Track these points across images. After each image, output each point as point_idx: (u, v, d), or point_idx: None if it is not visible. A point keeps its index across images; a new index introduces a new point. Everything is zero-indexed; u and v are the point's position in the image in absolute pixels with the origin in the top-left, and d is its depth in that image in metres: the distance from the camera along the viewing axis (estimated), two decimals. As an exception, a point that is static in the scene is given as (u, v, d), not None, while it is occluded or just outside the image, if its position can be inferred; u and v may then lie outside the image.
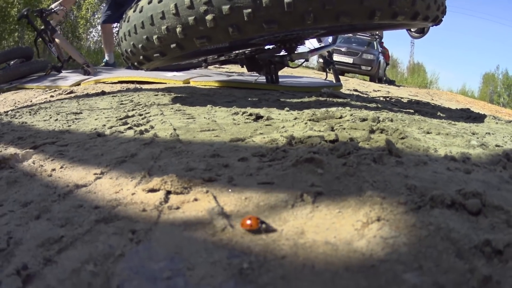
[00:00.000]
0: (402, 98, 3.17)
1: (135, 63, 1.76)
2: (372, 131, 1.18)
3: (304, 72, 8.42)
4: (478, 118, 2.01)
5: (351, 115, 1.44)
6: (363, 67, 11.43)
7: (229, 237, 0.52)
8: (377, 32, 10.88)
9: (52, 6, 3.83)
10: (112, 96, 2.09)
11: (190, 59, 2.29)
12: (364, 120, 1.35)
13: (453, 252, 0.49)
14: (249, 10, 1.37)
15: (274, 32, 1.58)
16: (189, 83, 2.75)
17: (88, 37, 8.97)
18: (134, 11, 1.61)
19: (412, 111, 1.90)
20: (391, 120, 1.41)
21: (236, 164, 0.87)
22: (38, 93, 2.88)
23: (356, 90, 3.78)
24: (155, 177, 0.77)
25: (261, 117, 1.43)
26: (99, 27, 8.77)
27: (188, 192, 0.71)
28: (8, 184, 0.86)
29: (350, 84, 5.86)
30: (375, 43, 12.02)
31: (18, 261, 0.54)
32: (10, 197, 0.80)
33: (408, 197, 0.63)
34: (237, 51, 2.26)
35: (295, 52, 2.12)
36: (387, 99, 2.84)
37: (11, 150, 0.98)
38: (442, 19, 1.87)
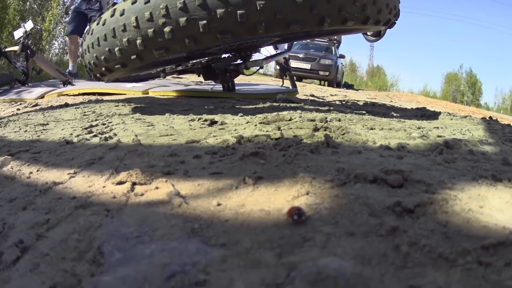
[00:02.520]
0: (358, 101, 3.39)
1: (98, 75, 1.88)
2: (316, 129, 1.35)
3: (261, 79, 8.65)
4: (433, 115, 2.18)
5: (300, 117, 1.62)
6: (321, 73, 11.78)
7: (184, 210, 0.68)
8: (335, 37, 11.37)
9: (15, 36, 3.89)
10: (75, 108, 2.20)
11: (149, 69, 2.42)
12: (311, 120, 1.52)
13: (367, 213, 0.63)
14: (204, 21, 1.51)
15: (228, 42, 1.73)
16: (148, 93, 2.88)
17: (50, 49, 8.88)
18: (97, 24, 1.73)
19: (364, 112, 2.09)
20: (339, 120, 1.58)
21: (191, 160, 1.02)
22: (4, 106, 2.93)
23: (312, 95, 3.99)
24: (122, 172, 0.92)
25: (216, 122, 1.59)
26: (61, 39, 8.70)
27: (150, 182, 0.86)
28: (-9, 186, 0.98)
29: (308, 89, 6.11)
30: (333, 48, 12.49)
31: (14, 238, 0.67)
32: (-3, 195, 0.92)
33: (335, 176, 0.79)
34: (194, 61, 2.41)
35: (250, 60, 2.29)
36: (343, 102, 3.04)
37: (-13, 158, 1.10)
38: (395, 22, 2.03)
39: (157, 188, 0.83)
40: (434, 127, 1.63)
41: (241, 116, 1.76)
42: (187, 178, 0.88)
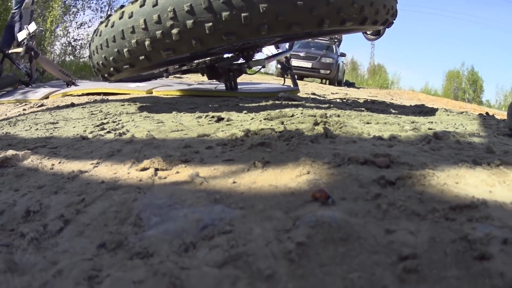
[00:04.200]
0: (359, 99, 3.56)
1: (106, 75, 2.03)
2: (316, 124, 1.50)
3: (263, 78, 8.85)
4: (430, 112, 2.35)
5: (301, 113, 1.77)
6: (322, 71, 12.22)
7: (205, 187, 0.82)
8: (336, 36, 11.66)
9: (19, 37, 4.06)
10: (82, 107, 2.35)
11: (155, 69, 2.57)
12: (312, 116, 1.68)
13: (357, 185, 0.79)
14: (210, 23, 1.66)
15: (232, 43, 1.88)
16: (151, 93, 3.03)
17: (52, 49, 9.12)
18: (106, 26, 1.88)
19: (363, 109, 2.24)
20: (338, 116, 1.73)
21: (204, 151, 1.17)
22: (10, 107, 3.08)
23: (314, 94, 4.15)
24: (144, 160, 1.06)
25: (222, 118, 1.73)
26: (62, 40, 8.96)
27: (171, 168, 1.01)
28: (17, 177, 1.12)
29: (309, 88, 6.28)
30: (334, 46, 12.91)
31: (55, 213, 0.81)
32: (23, 185, 1.06)
33: (332, 160, 0.95)
34: (198, 61, 2.57)
35: (253, 59, 2.44)
36: (344, 100, 3.20)
37: (10, 152, 1.23)
38: (393, 21, 2.19)
39: (178, 172, 0.97)
40: (429, 122, 1.78)
41: (246, 113, 1.90)
42: (203, 164, 1.02)
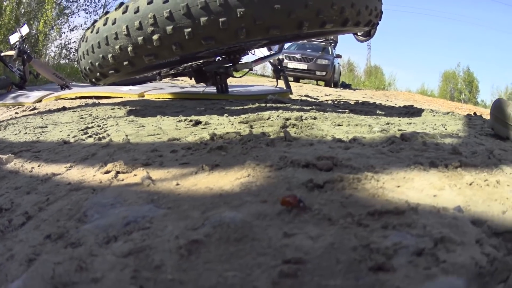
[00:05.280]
0: (351, 100, 3.68)
1: (93, 80, 2.19)
2: (284, 126, 1.62)
3: (258, 80, 9.06)
4: (417, 112, 2.46)
5: (277, 116, 1.90)
6: (318, 73, 12.64)
7: (150, 188, 0.97)
8: (332, 37, 11.92)
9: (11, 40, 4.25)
10: (73, 111, 2.53)
11: (143, 73, 2.73)
12: (287, 119, 1.80)
13: (285, 188, 0.88)
14: (189, 29, 1.79)
15: (212, 47, 2.02)
16: (143, 96, 3.20)
17: (47, 52, 9.44)
18: (91, 32, 2.03)
19: (347, 110, 2.36)
20: (314, 118, 1.86)
21: (168, 154, 1.31)
22: (2, 110, 3.29)
23: (307, 96, 4.29)
24: (110, 163, 1.21)
25: (200, 122, 1.88)
26: (56, 42, 9.27)
27: (131, 171, 1.15)
28: (-1, 179, 1.28)
29: (303, 90, 6.45)
30: (329, 48, 13.30)
31: (21, 210, 0.97)
32: (2, 186, 1.22)
33: (276, 163, 1.06)
34: (186, 64, 2.72)
35: (240, 62, 2.58)
36: (335, 102, 3.33)
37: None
38: (377, 23, 2.29)
39: (135, 175, 1.12)
40: (407, 123, 1.89)
41: (226, 116, 2.04)
42: (160, 168, 1.16)
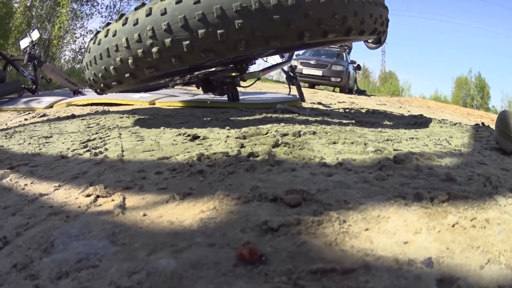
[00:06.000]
0: (362, 108, 3.70)
1: (98, 90, 2.29)
2: (276, 145, 1.68)
3: (273, 86, 9.23)
4: (424, 123, 2.48)
5: (275, 131, 1.95)
6: (333, 79, 12.99)
7: (118, 219, 1.05)
8: (346, 43, 12.31)
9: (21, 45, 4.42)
10: (81, 119, 2.65)
11: (151, 82, 2.82)
12: (285, 135, 1.86)
13: (240, 229, 0.86)
14: (188, 41, 1.84)
15: (213, 59, 2.08)
16: (154, 104, 3.31)
17: (61, 56, 9.79)
18: (93, 43, 2.12)
19: (354, 121, 2.39)
20: (313, 133, 1.90)
21: (152, 176, 1.39)
22: (12, 115, 3.46)
23: (320, 103, 4.33)
24: (92, 187, 1.30)
25: (198, 137, 1.95)
26: (71, 46, 9.64)
27: (110, 196, 1.24)
28: (-8, 196, 1.40)
29: (318, 97, 6.52)
30: (344, 54, 13.69)
31: (1, 235, 1.07)
32: (-5, 203, 1.34)
33: (246, 194, 1.11)
34: (194, 73, 2.80)
35: (247, 72, 2.64)
36: (346, 110, 3.36)
37: (-11, 170, 1.52)
38: (383, 30, 2.28)
39: (113, 200, 1.20)
40: (410, 137, 1.91)
41: (228, 129, 2.11)
42: (138, 193, 1.24)
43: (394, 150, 1.60)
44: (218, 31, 1.82)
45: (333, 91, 13.51)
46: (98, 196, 1.24)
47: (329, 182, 1.15)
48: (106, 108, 3.26)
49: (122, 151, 1.77)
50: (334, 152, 1.57)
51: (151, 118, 2.63)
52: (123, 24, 1.95)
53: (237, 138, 1.87)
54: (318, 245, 0.76)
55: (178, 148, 1.76)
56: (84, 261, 0.82)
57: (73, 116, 2.84)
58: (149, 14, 1.88)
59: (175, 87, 3.56)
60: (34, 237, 1.01)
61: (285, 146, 1.67)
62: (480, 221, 0.82)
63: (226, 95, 2.99)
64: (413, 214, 0.87)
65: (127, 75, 2.04)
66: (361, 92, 14.87)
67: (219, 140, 1.88)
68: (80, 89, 4.24)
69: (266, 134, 1.93)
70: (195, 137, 1.94)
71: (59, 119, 2.83)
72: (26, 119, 3.01)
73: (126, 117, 2.69)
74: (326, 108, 3.43)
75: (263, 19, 1.80)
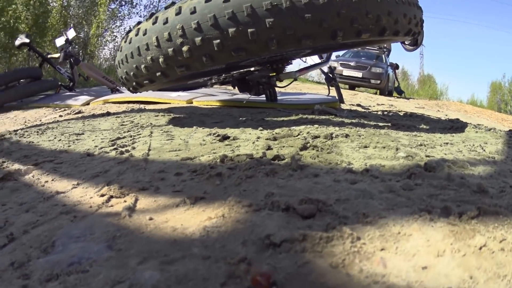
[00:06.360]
0: (400, 111, 3.62)
1: (130, 88, 2.31)
2: (304, 148, 1.62)
3: (313, 87, 9.39)
4: (460, 128, 2.39)
5: (307, 133, 1.89)
6: (372, 81, 13.02)
7: (123, 222, 1.01)
8: (385, 45, 12.39)
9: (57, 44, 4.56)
10: (116, 117, 2.68)
11: (185, 81, 2.83)
12: (316, 137, 1.80)
13: (241, 241, 0.80)
14: (218, 40, 1.83)
15: (244, 59, 2.05)
16: (191, 103, 3.31)
17: (100, 54, 10.11)
18: (125, 42, 2.15)
19: (390, 124, 2.31)
20: (346, 136, 1.82)
21: (171, 177, 1.36)
22: (48, 111, 3.58)
23: (359, 105, 4.27)
24: (107, 186, 1.28)
25: (228, 137, 1.91)
26: (110, 45, 9.97)
27: (124, 196, 1.22)
28: (12, 191, 1.41)
29: (357, 98, 6.44)
30: (383, 56, 13.69)
31: (8, 231, 1.06)
32: (12, 200, 1.34)
33: (258, 202, 1.05)
34: (230, 73, 2.78)
35: (283, 72, 2.60)
36: (385, 113, 3.29)
37: (16, 166, 1.54)
38: (418, 31, 2.22)
39: (125, 201, 1.18)
40: (444, 142, 1.81)
41: (260, 130, 2.06)
42: (152, 194, 1.21)
43: (427, 156, 1.50)
44: (249, 30, 1.79)
45: (375, 93, 13.45)
46: (111, 197, 1.22)
47: (351, 190, 1.07)
48: (142, 106, 3.30)
49: (149, 150, 1.76)
50: (363, 157, 1.49)
51: (186, 117, 2.62)
52: (153, 23, 1.96)
53: (267, 139, 1.82)
54: (322, 267, 0.68)
55: (205, 149, 1.73)
56: (75, 265, 0.79)
57: (108, 114, 2.88)
58: (178, 13, 1.87)
59: (214, 86, 3.55)
60: (39, 235, 1.00)
61: (313, 149, 1.60)
62: (510, 243, 0.72)
63: (264, 95, 2.94)
64: (438, 232, 0.78)
65: (158, 73, 2.05)
66: (400, 92, 14.87)
67: (249, 141, 1.83)
68: (117, 87, 4.32)
69: (297, 136, 1.87)
70: (224, 138, 1.91)
71: (93, 116, 2.88)
72: (61, 116, 3.09)
73: (162, 115, 2.70)
74: (364, 110, 3.36)
75: (294, 17, 1.77)
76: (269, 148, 1.65)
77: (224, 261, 0.74)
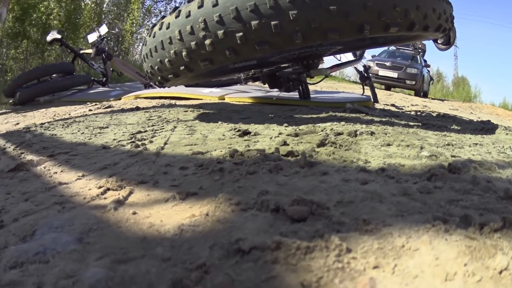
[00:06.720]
0: (433, 112, 3.52)
1: (156, 82, 2.32)
2: (322, 144, 1.55)
3: (350, 87, 9.48)
4: (491, 129, 2.31)
5: (331, 129, 1.82)
6: (408, 82, 12.96)
7: (106, 215, 0.98)
8: (420, 46, 12.52)
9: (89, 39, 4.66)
10: (145, 112, 2.70)
11: (202, 79, 2.80)
12: (339, 134, 1.72)
13: (210, 245, 0.74)
14: (241, 33, 1.79)
15: (268, 52, 2.00)
16: (224, 99, 3.29)
17: (134, 50, 10.33)
18: (149, 36, 2.15)
19: (420, 124, 2.21)
20: (371, 134, 1.73)
21: (175, 171, 1.33)
22: (79, 106, 3.66)
23: (393, 105, 4.20)
24: (107, 179, 1.27)
25: (249, 133, 1.87)
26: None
27: (120, 189, 1.20)
28: (21, 181, 1.43)
29: (392, 99, 6.35)
30: (418, 57, 13.60)
31: (0, 219, 1.07)
32: (18, 189, 1.36)
33: (248, 201, 0.96)
34: (260, 69, 2.74)
35: (314, 68, 2.53)
36: (418, 113, 3.22)
37: (30, 157, 1.57)
38: (449, 28, 2.11)
39: (118, 194, 1.17)
40: (474, 143, 1.71)
41: (285, 126, 2.01)
42: (148, 188, 1.19)
43: (452, 156, 1.39)
44: (272, 23, 1.74)
45: (415, 94, 13.31)
46: (108, 189, 1.21)
47: (359, 192, 0.97)
48: (173, 102, 3.31)
49: (165, 144, 1.75)
50: (383, 155, 1.40)
51: (215, 113, 2.61)
52: (176, 17, 1.95)
53: (288, 135, 1.77)
54: (291, 285, 0.58)
55: (222, 144, 1.70)
56: (40, 254, 0.77)
57: (137, 109, 2.91)
58: (201, 6, 1.85)
59: (248, 83, 3.52)
60: (25, 224, 1.00)
61: (331, 145, 1.53)
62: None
63: (298, 93, 2.89)
64: (452, 247, 0.64)
65: (182, 67, 2.04)
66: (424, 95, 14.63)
67: (267, 137, 1.79)
68: (150, 82, 4.38)
69: (320, 132, 1.80)
70: (245, 133, 1.87)
71: (122, 110, 2.92)
72: (90, 110, 3.16)
73: (191, 111, 2.69)
74: (398, 110, 3.25)
75: (318, 10, 1.70)
76: (284, 143, 1.59)
77: (182, 265, 0.69)
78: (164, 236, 0.84)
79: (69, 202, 1.13)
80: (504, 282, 0.57)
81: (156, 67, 2.14)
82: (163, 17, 2.09)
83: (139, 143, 1.79)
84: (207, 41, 1.87)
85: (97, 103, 3.67)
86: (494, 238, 0.68)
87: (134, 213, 0.99)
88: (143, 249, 0.78)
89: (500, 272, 0.59)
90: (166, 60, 2.05)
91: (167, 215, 0.97)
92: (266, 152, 1.43)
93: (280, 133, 1.83)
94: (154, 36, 2.07)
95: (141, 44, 11.19)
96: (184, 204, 1.03)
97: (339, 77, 18.22)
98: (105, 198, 1.14)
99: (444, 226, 0.72)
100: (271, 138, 1.73)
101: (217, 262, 0.68)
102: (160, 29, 2.02)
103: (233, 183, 1.14)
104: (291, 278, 0.61)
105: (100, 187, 1.22)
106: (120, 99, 3.80)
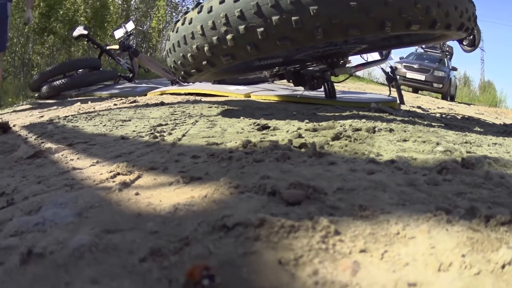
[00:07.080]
0: (458, 114, 3.47)
1: (180, 77, 2.36)
2: (336, 138, 1.55)
3: (377, 88, 9.58)
4: None
5: (349, 125, 1.81)
6: (435, 85, 13.04)
7: (109, 195, 1.02)
8: (447, 49, 12.63)
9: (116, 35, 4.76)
10: (169, 107, 2.75)
11: (238, 74, 2.84)
12: (357, 130, 1.72)
13: (198, 222, 0.76)
14: (262, 29, 1.81)
15: (289, 48, 2.01)
16: (249, 97, 3.31)
17: (161, 47, 10.45)
18: (173, 31, 2.20)
19: (443, 124, 2.18)
20: (390, 130, 1.72)
21: (186, 160, 1.36)
22: (104, 100, 3.73)
23: (419, 107, 4.19)
24: (118, 164, 1.31)
25: (268, 127, 1.89)
26: None
27: (129, 174, 1.23)
28: (38, 167, 1.49)
29: (419, 101, 6.36)
30: (446, 60, 13.53)
31: (11, 197, 1.12)
32: (34, 174, 1.41)
33: (246, 184, 0.96)
34: (283, 67, 2.76)
35: (339, 67, 2.53)
36: (443, 115, 3.20)
37: (48, 145, 1.63)
38: (472, 27, 2.10)
39: (127, 178, 1.20)
40: (493, 143, 1.69)
41: (306, 123, 2.01)
42: (157, 174, 1.21)
43: (467, 152, 1.36)
44: (293, 18, 1.75)
45: (442, 98, 13.20)
46: (118, 174, 1.24)
47: (363, 181, 0.97)
48: (199, 98, 3.36)
49: (183, 136, 1.78)
50: (396, 150, 1.39)
51: (239, 110, 2.63)
52: (198, 12, 1.99)
53: (306, 130, 1.77)
54: (268, 261, 0.58)
55: (239, 136, 1.72)
56: (39, 225, 0.81)
57: (161, 104, 2.97)
58: (222, 1, 1.88)
59: (275, 81, 3.55)
60: (33, 202, 1.04)
61: (346, 139, 1.52)
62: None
63: (324, 92, 2.89)
64: (451, 237, 0.61)
65: (204, 62, 2.07)
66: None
67: (286, 131, 1.79)
68: (177, 79, 4.45)
69: (338, 127, 1.80)
70: (264, 127, 1.88)
71: (147, 105, 2.98)
72: (115, 104, 3.23)
73: (215, 107, 2.73)
74: (423, 112, 3.21)
75: (339, 5, 1.71)
76: (299, 136, 1.60)
77: (166, 238, 0.71)
78: (159, 213, 0.86)
79: (79, 184, 1.17)
80: (506, 278, 0.54)
81: (179, 62, 2.18)
82: (186, 12, 2.13)
83: (158, 134, 1.83)
84: (229, 36, 1.90)
85: (122, 98, 3.75)
86: (500, 231, 0.66)
87: (137, 194, 1.01)
88: (134, 223, 0.80)
89: (503, 267, 0.56)
90: (189, 55, 2.08)
91: (168, 196, 0.99)
92: (279, 144, 1.44)
93: (299, 128, 1.84)
94: (177, 31, 2.11)
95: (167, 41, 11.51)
96: (186, 188, 1.05)
97: (367, 78, 18.23)
98: (113, 182, 1.17)
99: (446, 217, 0.70)
100: (287, 131, 1.74)
101: (200, 236, 0.70)
102: (183, 24, 2.06)
103: (238, 170, 1.16)
104: (270, 255, 0.61)
105: (110, 172, 1.26)
106: (145, 94, 3.88)
